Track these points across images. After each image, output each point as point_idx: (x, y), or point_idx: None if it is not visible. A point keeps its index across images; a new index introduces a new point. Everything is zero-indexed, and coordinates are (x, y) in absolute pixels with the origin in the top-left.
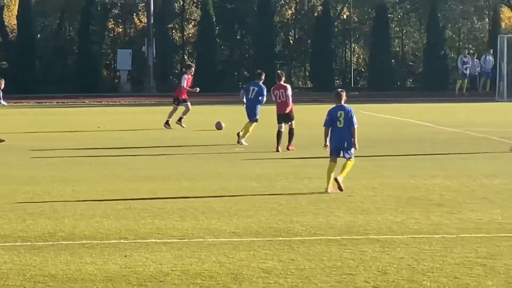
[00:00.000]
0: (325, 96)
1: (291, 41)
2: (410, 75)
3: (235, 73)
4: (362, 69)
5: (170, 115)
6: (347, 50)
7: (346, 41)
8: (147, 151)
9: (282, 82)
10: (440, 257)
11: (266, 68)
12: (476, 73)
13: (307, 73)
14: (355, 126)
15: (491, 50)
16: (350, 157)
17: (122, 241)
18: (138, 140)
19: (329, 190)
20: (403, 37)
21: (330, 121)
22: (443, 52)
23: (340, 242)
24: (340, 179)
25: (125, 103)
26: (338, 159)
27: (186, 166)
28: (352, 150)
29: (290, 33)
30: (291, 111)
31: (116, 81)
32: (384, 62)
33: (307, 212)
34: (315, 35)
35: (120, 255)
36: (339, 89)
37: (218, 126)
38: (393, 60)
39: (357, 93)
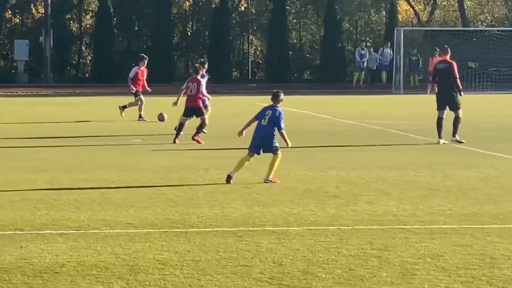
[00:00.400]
0: (223, 88)
1: (189, 33)
2: (307, 67)
3: (133, 65)
4: (260, 61)
5: (140, 109)
6: (245, 41)
7: (244, 33)
8: (44, 142)
9: (198, 76)
10: (335, 248)
11: (164, 60)
12: (374, 67)
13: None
14: (282, 131)
15: (389, 43)
16: (275, 150)
17: (17, 232)
18: (34, 131)
19: (231, 181)
20: (301, 29)
21: (259, 115)
22: (340, 44)
23: (236, 234)
24: (269, 178)
25: (22, 93)
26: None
27: (83, 157)
28: (275, 146)
29: (188, 25)
30: (199, 105)
31: (13, 71)
32: (282, 54)
33: (203, 204)
34: (213, 26)
35: (16, 247)
36: (277, 90)
37: (161, 118)
38: (290, 52)
39: (254, 85)
